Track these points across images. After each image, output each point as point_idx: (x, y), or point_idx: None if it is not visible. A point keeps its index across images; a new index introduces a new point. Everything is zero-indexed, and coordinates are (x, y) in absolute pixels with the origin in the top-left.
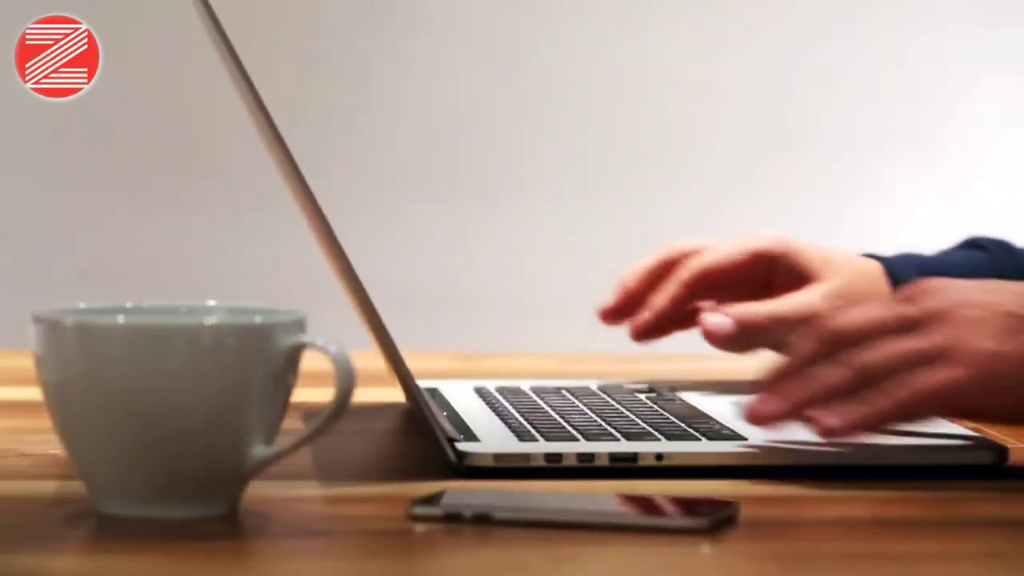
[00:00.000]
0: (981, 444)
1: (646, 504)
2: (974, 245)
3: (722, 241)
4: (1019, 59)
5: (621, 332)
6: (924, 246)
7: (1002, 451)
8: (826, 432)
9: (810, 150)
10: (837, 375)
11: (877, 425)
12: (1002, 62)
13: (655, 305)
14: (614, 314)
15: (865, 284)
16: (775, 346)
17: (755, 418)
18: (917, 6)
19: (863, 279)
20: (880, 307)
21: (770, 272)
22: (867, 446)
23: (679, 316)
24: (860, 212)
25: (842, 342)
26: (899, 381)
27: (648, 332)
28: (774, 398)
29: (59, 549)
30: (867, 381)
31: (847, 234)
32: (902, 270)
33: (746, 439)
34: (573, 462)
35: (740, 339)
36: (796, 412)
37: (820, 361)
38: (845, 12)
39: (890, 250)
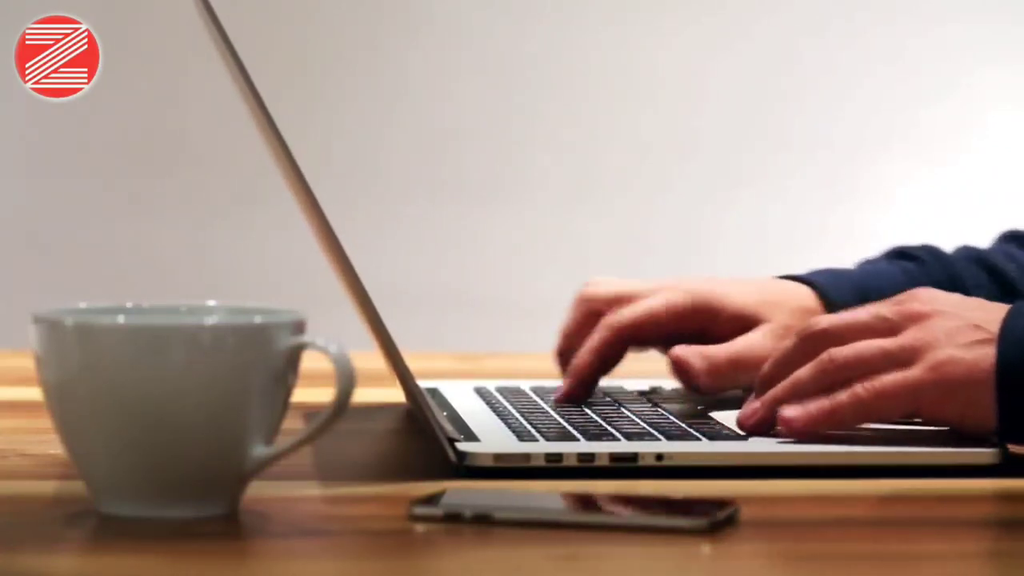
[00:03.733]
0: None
1: (646, 504)
2: (902, 255)
3: (639, 287)
4: (1011, 55)
5: None
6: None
7: (1002, 451)
8: (786, 424)
9: (801, 148)
10: (806, 370)
11: (838, 420)
12: (994, 59)
13: (579, 366)
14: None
15: (805, 316)
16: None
17: (741, 425)
18: (907, 3)
19: (802, 314)
20: (864, 311)
21: (705, 323)
22: (867, 446)
23: (607, 367)
24: (849, 210)
25: (822, 341)
26: (863, 380)
27: (580, 395)
28: (755, 402)
29: (59, 549)
30: (834, 376)
31: (836, 233)
32: (835, 289)
33: (746, 439)
34: (573, 462)
35: (705, 375)
36: (771, 410)
37: (800, 361)
38: (835, 10)
39: (882, 246)
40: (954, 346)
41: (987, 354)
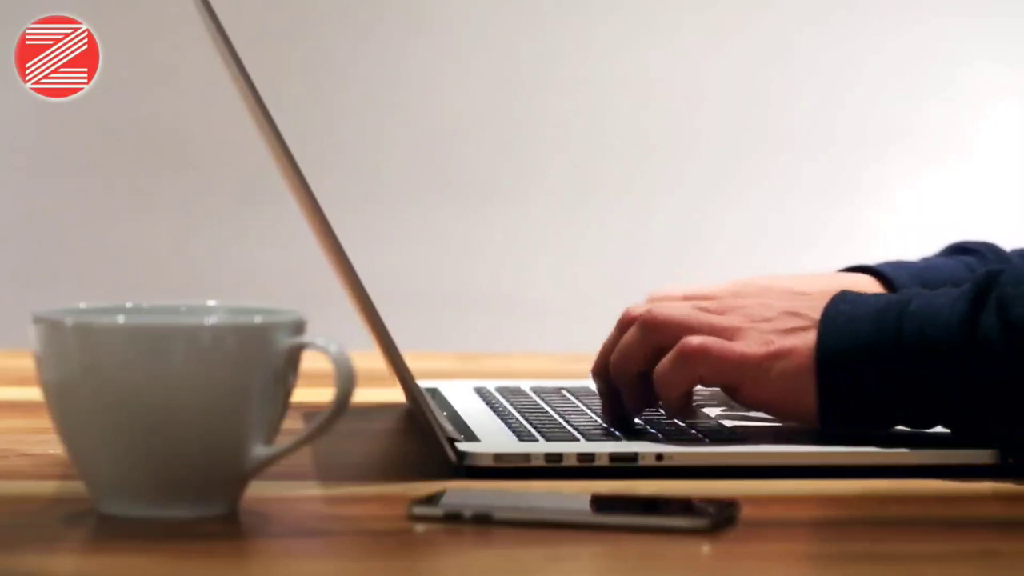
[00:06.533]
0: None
1: (646, 504)
2: (962, 250)
3: (707, 289)
4: (1012, 53)
5: None
6: (913, 244)
7: (1000, 452)
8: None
9: (801, 148)
10: (629, 334)
11: (674, 374)
12: (994, 57)
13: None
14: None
15: None
16: None
17: (604, 420)
18: (907, 1)
19: None
20: (685, 303)
21: None
22: (867, 446)
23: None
24: (849, 210)
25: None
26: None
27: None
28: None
29: (59, 549)
30: (656, 333)
31: (836, 233)
32: (898, 277)
33: (746, 440)
34: (573, 462)
35: None
36: (613, 386)
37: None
38: (835, 9)
39: (882, 246)
40: (774, 332)
41: (806, 340)
